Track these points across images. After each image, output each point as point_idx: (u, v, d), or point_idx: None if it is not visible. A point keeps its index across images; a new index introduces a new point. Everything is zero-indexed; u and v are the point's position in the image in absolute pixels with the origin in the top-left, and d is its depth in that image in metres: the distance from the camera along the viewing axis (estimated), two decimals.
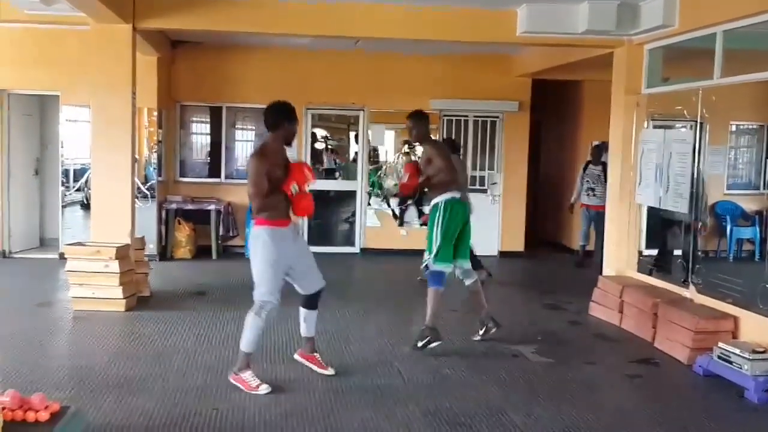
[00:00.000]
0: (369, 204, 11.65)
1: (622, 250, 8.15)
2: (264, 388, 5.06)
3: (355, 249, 11.73)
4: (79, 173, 10.65)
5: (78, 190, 10.66)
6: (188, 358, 5.87)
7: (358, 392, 5.17)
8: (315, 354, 5.63)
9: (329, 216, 12.15)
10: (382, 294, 8.48)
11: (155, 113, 10.40)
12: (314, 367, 5.57)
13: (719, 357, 5.66)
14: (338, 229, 12.23)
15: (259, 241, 5.15)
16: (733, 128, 7.95)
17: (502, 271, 11.19)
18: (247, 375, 5.16)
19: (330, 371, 5.53)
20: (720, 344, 5.72)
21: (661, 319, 6.65)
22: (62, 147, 10.60)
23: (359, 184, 11.72)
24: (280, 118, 5.26)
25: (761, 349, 5.50)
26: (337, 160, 12.40)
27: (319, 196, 11.70)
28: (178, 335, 6.58)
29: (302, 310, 5.58)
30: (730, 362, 5.52)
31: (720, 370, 5.64)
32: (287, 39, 10.40)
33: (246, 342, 5.20)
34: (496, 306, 8.32)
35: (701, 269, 6.92)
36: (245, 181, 12.10)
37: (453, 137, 11.21)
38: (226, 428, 4.44)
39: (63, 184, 10.58)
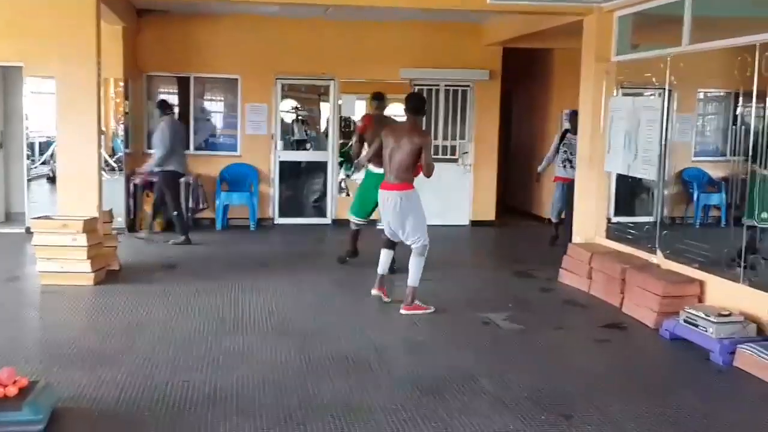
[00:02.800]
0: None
1: (590, 217, 8.23)
2: (431, 309, 6.42)
3: (327, 220, 11.71)
4: (45, 146, 10.47)
5: (43, 163, 10.50)
6: (159, 331, 5.84)
7: (330, 362, 5.18)
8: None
9: (300, 187, 12.11)
10: (354, 264, 8.48)
11: (121, 84, 10.22)
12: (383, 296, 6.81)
13: (685, 321, 5.76)
14: (310, 201, 12.19)
15: (416, 200, 6.46)
16: (701, 96, 8.02)
17: (473, 240, 11.28)
18: (419, 302, 6.42)
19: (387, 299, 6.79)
20: (686, 308, 5.82)
21: (628, 284, 6.74)
22: (26, 120, 10.39)
23: (330, 155, 11.66)
24: (423, 106, 6.68)
25: (726, 313, 5.60)
26: (308, 131, 12.32)
27: (290, 167, 11.74)
28: (148, 308, 6.54)
29: (387, 253, 6.94)
30: (696, 326, 5.63)
31: (686, 334, 5.74)
32: (255, 7, 10.27)
33: (415, 279, 6.42)
34: (466, 275, 8.41)
35: (668, 235, 7.02)
36: (215, 153, 11.97)
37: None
38: (198, 400, 4.43)
39: (28, 158, 10.38)
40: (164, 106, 9.82)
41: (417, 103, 6.56)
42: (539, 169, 10.49)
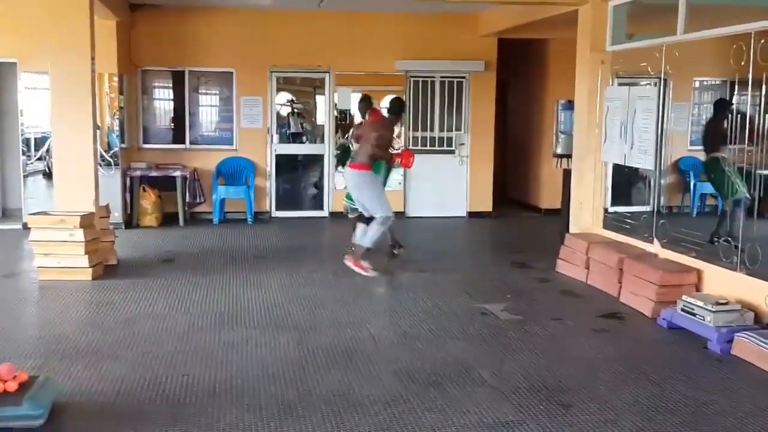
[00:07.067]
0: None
1: (587, 207, 8.23)
2: (374, 273, 7.23)
3: (324, 213, 11.71)
4: (40, 142, 10.43)
5: (39, 159, 10.46)
6: (158, 325, 5.85)
7: (330, 354, 5.20)
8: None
9: (297, 180, 12.11)
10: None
11: (116, 79, 10.19)
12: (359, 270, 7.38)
13: (683, 309, 5.78)
14: (307, 193, 12.19)
15: (370, 178, 7.48)
16: (697, 84, 8.03)
17: (470, 232, 11.29)
18: (366, 263, 7.28)
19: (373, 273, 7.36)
20: (684, 297, 5.84)
21: (626, 274, 6.75)
22: (21, 115, 10.36)
23: (326, 148, 11.65)
24: (402, 109, 8.25)
25: (724, 301, 5.62)
26: (304, 124, 12.31)
27: (287, 160, 11.73)
28: (146, 302, 6.55)
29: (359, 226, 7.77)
30: (694, 314, 5.64)
31: (684, 323, 5.76)
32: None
33: (370, 240, 7.37)
34: (464, 266, 8.41)
35: (665, 224, 7.03)
36: (211, 147, 11.96)
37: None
38: (197, 393, 4.44)
39: (24, 154, 10.37)
40: None
41: (397, 104, 8.04)
42: None
